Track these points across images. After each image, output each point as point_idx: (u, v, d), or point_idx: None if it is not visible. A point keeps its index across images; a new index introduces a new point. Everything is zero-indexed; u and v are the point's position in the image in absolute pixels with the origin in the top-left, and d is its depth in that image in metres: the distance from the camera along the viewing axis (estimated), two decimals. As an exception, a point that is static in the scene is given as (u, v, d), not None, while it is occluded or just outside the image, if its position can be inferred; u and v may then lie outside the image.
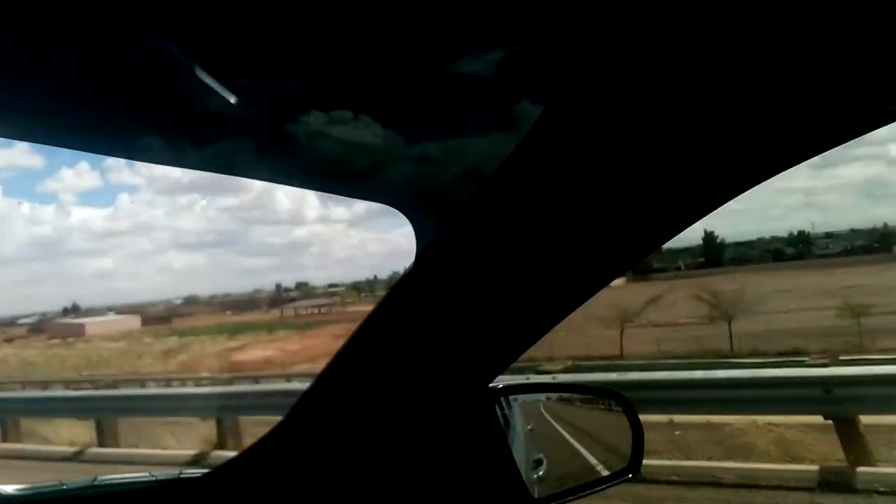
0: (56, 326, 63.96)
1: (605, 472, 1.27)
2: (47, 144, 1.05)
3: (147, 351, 42.82)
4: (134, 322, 65.69)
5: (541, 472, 1.30)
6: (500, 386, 1.13)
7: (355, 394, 1.03)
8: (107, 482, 1.23)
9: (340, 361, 1.02)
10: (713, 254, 65.13)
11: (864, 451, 5.33)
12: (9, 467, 8.11)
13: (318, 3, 0.83)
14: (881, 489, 4.92)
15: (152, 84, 0.95)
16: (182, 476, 1.22)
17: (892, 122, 0.70)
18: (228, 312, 74.85)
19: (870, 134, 0.73)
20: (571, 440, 1.43)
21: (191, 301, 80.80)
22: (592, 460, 1.34)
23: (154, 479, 1.23)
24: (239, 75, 0.95)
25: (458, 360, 0.99)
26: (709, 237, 67.94)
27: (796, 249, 63.47)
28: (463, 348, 0.98)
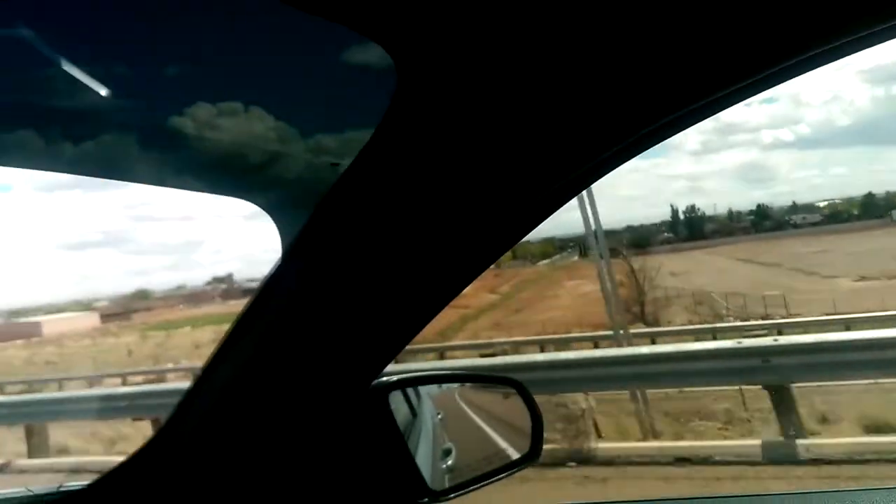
0: (8, 328, 57.40)
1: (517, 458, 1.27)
2: None
3: (178, 344, 38.15)
4: (92, 319, 61.06)
5: (450, 462, 1.27)
6: (392, 380, 1.10)
7: (234, 397, 1.01)
8: None
9: (218, 362, 1.00)
10: (694, 228, 67.94)
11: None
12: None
13: None
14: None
15: (13, 78, 0.89)
16: (62, 489, 1.16)
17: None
18: (181, 307, 71.61)
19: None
20: (485, 428, 1.41)
21: (140, 296, 76.99)
22: (505, 446, 1.31)
23: (31, 493, 1.18)
24: (114, 66, 0.90)
25: (334, 359, 0.96)
26: (689, 211, 70.51)
27: (774, 221, 67.89)
28: (338, 347, 0.95)
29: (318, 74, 0.88)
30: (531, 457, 1.25)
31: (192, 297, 74.83)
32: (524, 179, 0.78)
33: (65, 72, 0.85)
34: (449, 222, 0.82)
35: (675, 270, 36.76)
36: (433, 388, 1.37)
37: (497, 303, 42.51)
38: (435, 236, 0.84)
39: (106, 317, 62.06)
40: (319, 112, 0.95)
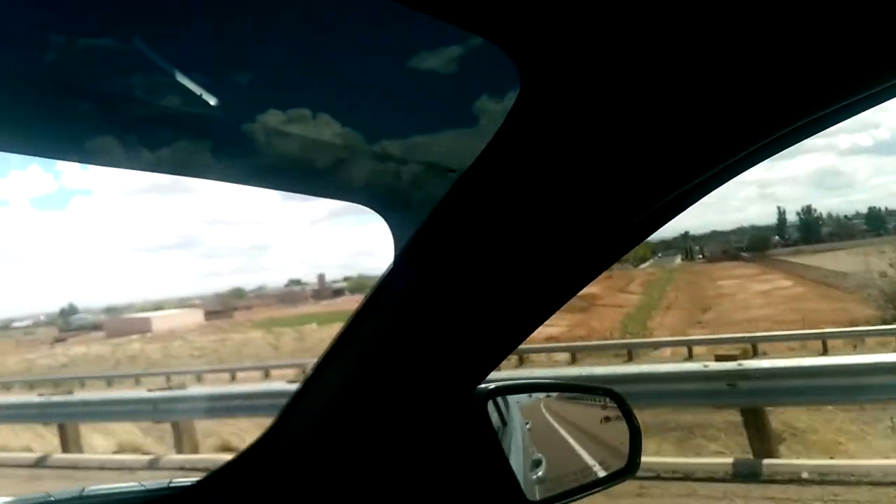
0: (117, 323, 56.72)
1: (602, 473, 1.23)
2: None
3: (322, 338, 36.10)
4: (196, 316, 60.03)
5: (540, 473, 1.24)
6: (490, 387, 1.09)
7: (342, 399, 1.02)
8: (95, 493, 1.22)
9: (326, 364, 1.01)
10: (810, 231, 64.81)
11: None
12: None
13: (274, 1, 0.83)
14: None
15: (105, 83, 0.91)
16: (172, 484, 1.19)
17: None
18: (277, 306, 70.36)
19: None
20: (570, 439, 1.36)
21: (235, 295, 77.00)
22: (590, 460, 1.27)
23: (143, 488, 1.21)
24: (195, 73, 0.92)
25: (441, 363, 0.97)
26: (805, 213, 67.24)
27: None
28: (447, 351, 0.96)
29: (438, 78, 0.85)
30: (628, 470, 1.20)
31: (286, 296, 74.13)
32: (634, 192, 0.76)
33: (179, 76, 0.85)
34: (563, 230, 0.81)
35: (844, 271, 33.75)
36: (523, 397, 1.32)
37: (649, 303, 39.86)
38: (547, 245, 0.83)
39: (209, 314, 60.93)
40: (437, 116, 0.95)
